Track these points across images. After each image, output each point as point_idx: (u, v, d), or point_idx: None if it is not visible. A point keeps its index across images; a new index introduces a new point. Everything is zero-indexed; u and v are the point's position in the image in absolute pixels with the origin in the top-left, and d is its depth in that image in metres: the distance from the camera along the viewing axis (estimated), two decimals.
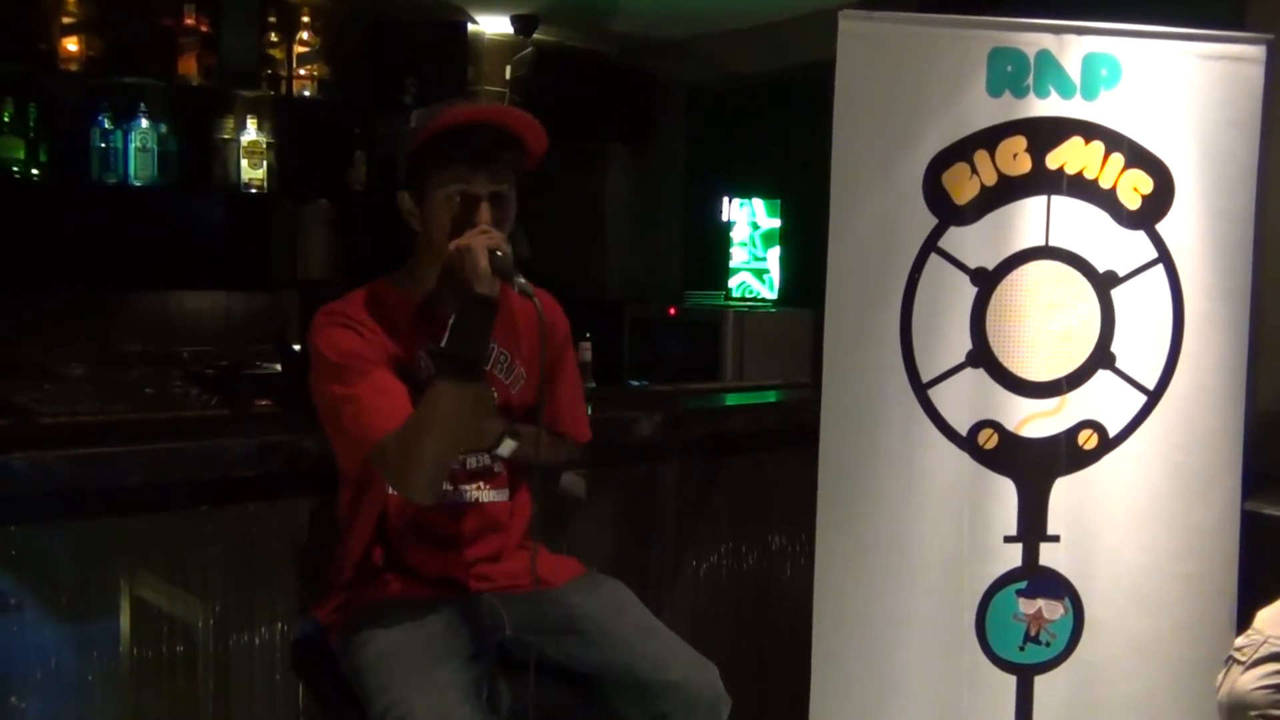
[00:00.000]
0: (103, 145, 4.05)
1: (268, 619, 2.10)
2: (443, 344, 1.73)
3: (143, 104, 4.09)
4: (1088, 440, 2.38)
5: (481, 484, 1.94)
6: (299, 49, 4.43)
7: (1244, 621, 2.04)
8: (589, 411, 2.13)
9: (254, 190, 4.42)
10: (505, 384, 1.95)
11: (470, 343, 1.72)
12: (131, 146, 4.07)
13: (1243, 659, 1.90)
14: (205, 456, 2.00)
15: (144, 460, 1.94)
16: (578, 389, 2.11)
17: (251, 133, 4.38)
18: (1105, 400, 2.38)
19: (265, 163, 4.41)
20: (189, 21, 4.12)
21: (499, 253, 1.72)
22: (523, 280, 1.74)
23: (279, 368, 3.81)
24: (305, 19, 4.43)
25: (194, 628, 2.04)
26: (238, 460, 2.02)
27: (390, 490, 1.86)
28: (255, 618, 2.09)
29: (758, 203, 4.72)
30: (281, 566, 2.12)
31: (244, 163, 4.38)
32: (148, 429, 2.30)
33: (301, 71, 4.44)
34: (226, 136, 4.39)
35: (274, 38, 4.39)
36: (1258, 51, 2.37)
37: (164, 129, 4.15)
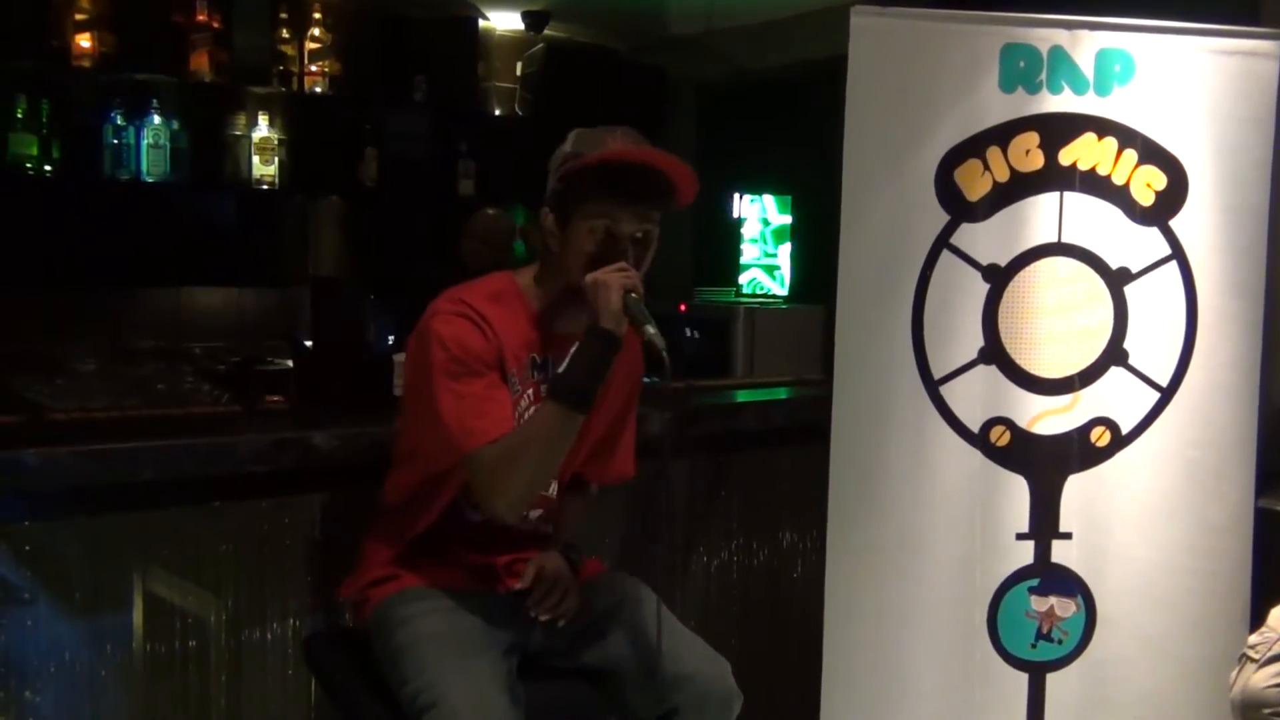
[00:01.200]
0: (115, 141, 4.05)
1: (280, 615, 2.11)
2: (560, 369, 1.76)
3: (155, 100, 4.09)
4: (1100, 437, 2.37)
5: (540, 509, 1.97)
6: (310, 45, 4.43)
7: (1257, 619, 2.03)
8: None
9: (265, 186, 4.42)
10: None
11: (588, 375, 1.74)
12: (144, 143, 4.07)
13: (1256, 657, 1.89)
14: (217, 452, 2.01)
15: (156, 456, 1.94)
16: (633, 433, 2.11)
17: (263, 129, 4.39)
18: (1118, 397, 2.37)
19: (277, 159, 4.41)
20: (201, 18, 4.12)
21: (634, 294, 1.73)
22: (653, 330, 1.72)
23: (290, 364, 3.81)
24: (317, 15, 4.43)
25: (206, 623, 2.05)
26: (249, 456, 2.02)
27: (459, 497, 1.87)
28: (268, 614, 2.10)
29: (768, 199, 4.71)
30: (294, 563, 2.12)
31: (255, 159, 4.38)
32: (159, 425, 2.31)
33: (313, 68, 4.44)
34: (238, 133, 4.39)
35: (285, 34, 4.39)
36: (1272, 47, 2.36)
37: (176, 125, 4.15)
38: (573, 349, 1.77)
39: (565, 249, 1.83)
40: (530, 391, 1.86)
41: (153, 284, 4.32)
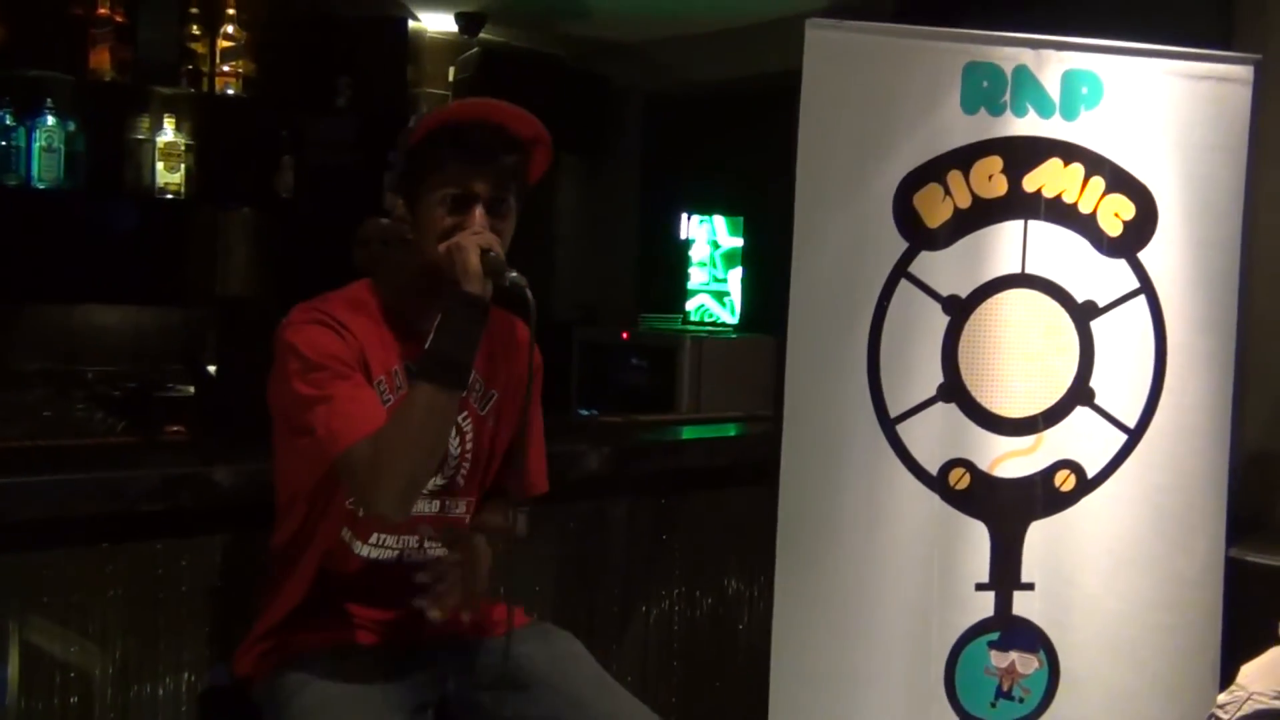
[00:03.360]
0: (4, 143, 3.99)
1: (173, 668, 2.07)
2: (427, 345, 1.72)
3: (49, 99, 4.04)
4: (1065, 481, 2.41)
5: (429, 539, 1.91)
6: (223, 43, 4.40)
7: (1227, 677, 2.07)
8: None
9: (170, 196, 4.37)
10: (475, 407, 1.94)
11: (457, 345, 1.71)
12: (36, 145, 4.02)
13: (1225, 717, 1.93)
14: (107, 488, 1.97)
15: (40, 492, 1.91)
16: (542, 435, 2.10)
17: (169, 133, 4.35)
18: (1083, 439, 2.41)
19: (183, 166, 4.38)
20: (102, 11, 4.08)
21: (491, 253, 1.72)
22: (515, 274, 1.73)
23: (193, 391, 3.77)
24: (230, 11, 4.40)
25: (91, 677, 2.01)
26: (144, 493, 1.99)
27: (343, 534, 1.84)
28: (160, 667, 2.06)
29: (719, 220, 4.74)
30: (190, 610, 2.09)
31: (160, 165, 4.34)
32: (46, 457, 2.27)
33: (225, 68, 4.41)
34: (141, 137, 4.35)
35: (195, 30, 4.36)
36: (1245, 72, 2.43)
37: (72, 127, 4.10)
38: (437, 321, 1.74)
39: (419, 231, 1.82)
40: None
41: (42, 300, 4.25)
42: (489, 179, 1.79)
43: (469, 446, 1.92)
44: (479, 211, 1.78)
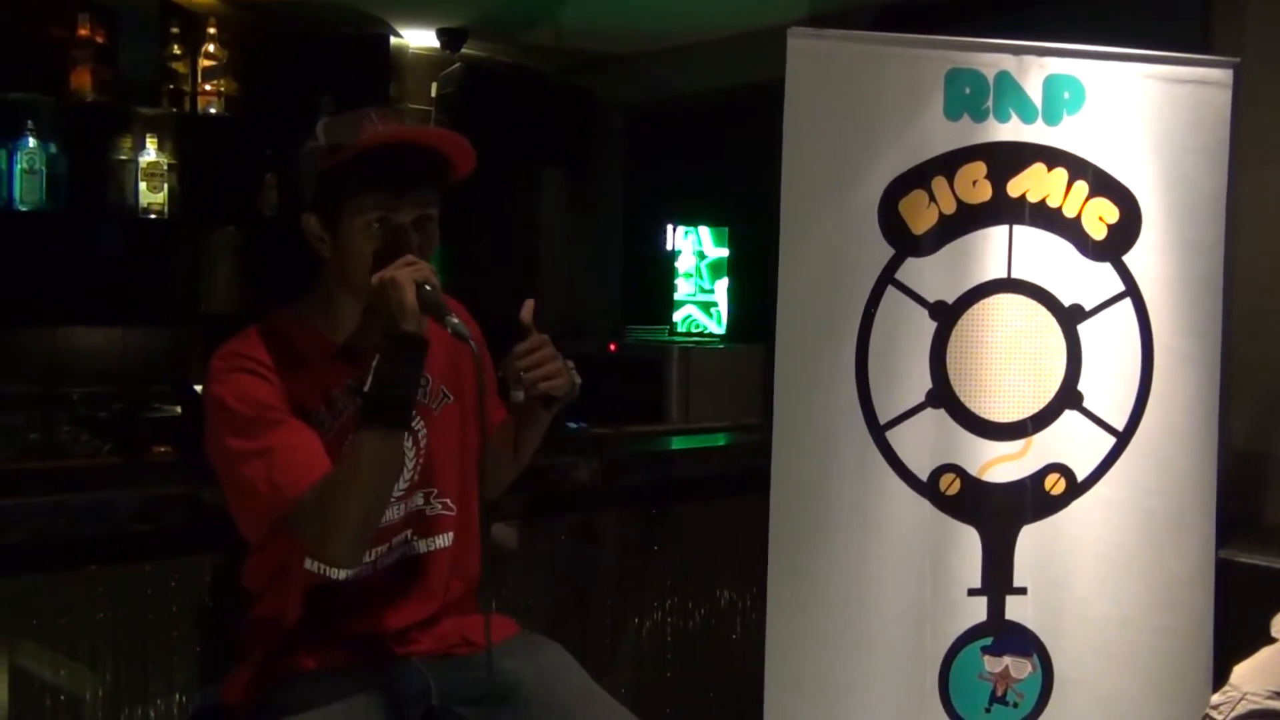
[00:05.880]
0: None
1: (164, 690, 2.06)
2: (365, 389, 1.69)
3: (30, 122, 4.02)
4: (1055, 485, 2.42)
5: (411, 532, 1.90)
6: (204, 63, 4.39)
7: (1220, 677, 2.07)
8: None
9: (153, 216, 4.36)
10: (430, 409, 1.92)
11: (397, 387, 1.68)
12: (17, 168, 4.00)
13: (1219, 717, 1.93)
14: (95, 510, 1.96)
15: (26, 514, 1.90)
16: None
17: (151, 153, 4.33)
18: (1073, 442, 2.42)
19: (166, 186, 4.36)
20: (83, 32, 4.07)
21: (427, 286, 1.69)
22: (456, 320, 1.70)
23: (179, 410, 3.76)
24: (211, 30, 4.40)
25: (81, 701, 1.99)
26: (131, 514, 1.98)
27: (311, 565, 1.82)
28: (150, 689, 2.05)
29: (704, 231, 4.75)
30: (180, 632, 2.07)
31: (142, 186, 4.32)
32: (31, 479, 2.25)
33: (207, 87, 4.40)
34: (123, 157, 4.33)
35: (177, 50, 4.35)
36: (1224, 75, 2.45)
37: (54, 149, 4.08)
38: (374, 362, 1.70)
39: (339, 254, 1.78)
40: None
41: (26, 323, 4.23)
42: (417, 204, 1.76)
43: (423, 445, 1.90)
44: (411, 240, 1.74)
